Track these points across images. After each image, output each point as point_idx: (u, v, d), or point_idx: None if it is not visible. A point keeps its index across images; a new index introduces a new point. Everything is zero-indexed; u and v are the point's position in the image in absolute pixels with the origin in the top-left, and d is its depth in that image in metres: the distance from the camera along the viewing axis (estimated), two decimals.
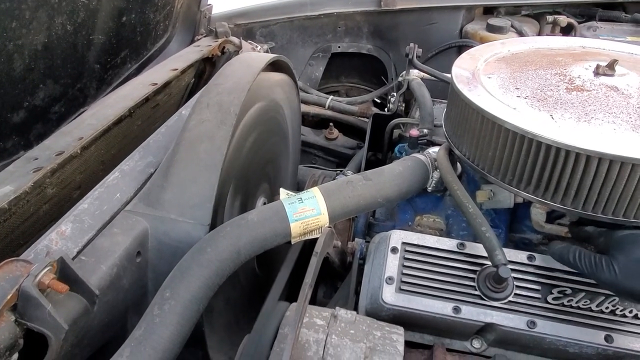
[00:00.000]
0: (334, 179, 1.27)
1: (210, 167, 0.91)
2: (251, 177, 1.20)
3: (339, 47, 1.93)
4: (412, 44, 1.40)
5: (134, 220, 0.87)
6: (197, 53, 1.38)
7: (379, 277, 0.85)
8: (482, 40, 1.70)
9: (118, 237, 0.83)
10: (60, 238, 0.78)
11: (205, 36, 1.59)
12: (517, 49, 1.14)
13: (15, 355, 0.64)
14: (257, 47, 1.63)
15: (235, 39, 1.57)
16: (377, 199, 0.93)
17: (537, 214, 0.93)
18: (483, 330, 0.83)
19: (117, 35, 1.39)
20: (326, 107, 1.78)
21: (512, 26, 1.67)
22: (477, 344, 0.87)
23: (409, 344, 0.85)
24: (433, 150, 1.07)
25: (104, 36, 1.34)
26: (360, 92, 2.10)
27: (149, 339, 0.71)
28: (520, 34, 1.65)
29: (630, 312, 0.80)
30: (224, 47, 1.57)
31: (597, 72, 0.94)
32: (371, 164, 1.49)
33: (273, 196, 1.32)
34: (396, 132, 1.44)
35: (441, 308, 0.81)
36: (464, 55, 1.10)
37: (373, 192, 0.93)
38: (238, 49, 1.54)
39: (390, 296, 0.83)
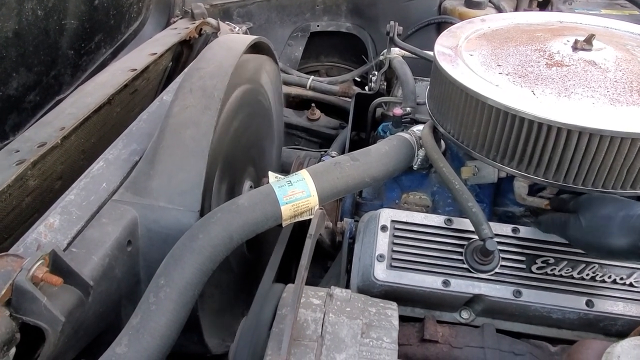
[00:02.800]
0: (319, 160, 1.28)
1: (197, 153, 0.90)
2: (237, 161, 1.19)
3: (318, 26, 1.91)
4: (392, 22, 1.40)
5: (122, 209, 0.86)
6: (174, 36, 1.35)
7: (370, 255, 0.87)
8: (461, 17, 1.71)
9: (107, 227, 0.82)
10: (49, 230, 0.77)
11: (181, 18, 1.55)
12: (498, 25, 1.15)
13: (13, 350, 0.64)
14: (235, 28, 1.60)
15: (212, 21, 1.54)
16: (365, 178, 0.95)
17: (520, 187, 0.96)
18: (471, 301, 0.87)
19: (90, 20, 1.34)
20: (307, 87, 1.77)
21: (490, 1, 1.69)
22: (465, 315, 0.90)
23: (400, 318, 0.88)
24: (417, 128, 1.08)
25: (77, 21, 1.30)
26: (340, 71, 2.09)
27: (146, 326, 0.71)
28: (498, 9, 1.66)
29: (609, 277, 0.84)
30: (201, 29, 1.54)
31: (575, 47, 0.96)
32: (355, 143, 1.49)
33: (259, 179, 1.32)
34: (379, 111, 1.44)
35: (431, 282, 0.84)
36: (446, 33, 1.11)
37: (361, 172, 0.94)
38: (216, 31, 1.51)
39: (381, 273, 0.85)
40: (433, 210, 1.06)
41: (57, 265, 0.67)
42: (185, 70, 1.18)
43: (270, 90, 1.39)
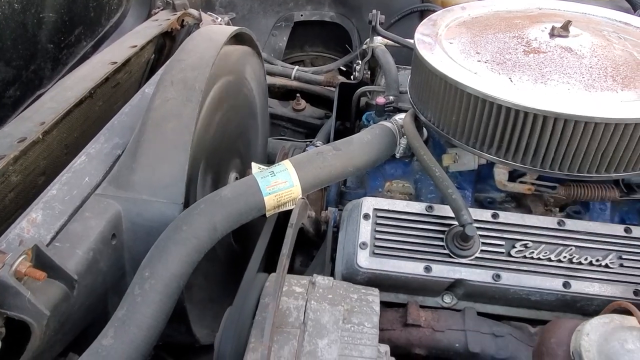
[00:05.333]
0: (304, 150, 1.29)
1: (179, 146, 0.91)
2: (222, 153, 1.19)
3: (302, 15, 1.90)
4: (374, 11, 1.40)
5: (105, 203, 0.87)
6: (155, 28, 1.34)
7: (353, 243, 0.88)
8: (443, 4, 1.71)
9: (91, 221, 0.83)
10: (32, 226, 0.77)
11: (162, 9, 1.53)
12: (477, 13, 1.16)
13: None
14: (217, 19, 1.59)
15: (194, 11, 1.52)
16: (348, 167, 0.96)
17: (500, 174, 0.97)
18: (453, 286, 0.88)
19: (69, 12, 1.33)
20: (292, 77, 1.77)
21: None
22: (448, 299, 0.92)
23: (384, 304, 0.89)
24: (399, 117, 1.09)
25: (55, 14, 1.28)
26: (325, 60, 2.09)
27: (132, 318, 0.72)
28: None
29: (586, 259, 0.86)
30: (183, 20, 1.53)
31: (552, 34, 0.97)
32: (340, 133, 1.50)
33: (245, 170, 1.32)
34: (363, 100, 1.45)
35: (413, 268, 0.86)
36: (426, 21, 1.11)
37: (344, 161, 0.95)
38: (198, 22, 1.50)
39: (364, 260, 0.86)
40: (416, 197, 1.07)
41: (40, 259, 0.68)
42: (167, 62, 1.17)
43: (254, 81, 1.39)
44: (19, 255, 0.65)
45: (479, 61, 0.94)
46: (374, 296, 0.71)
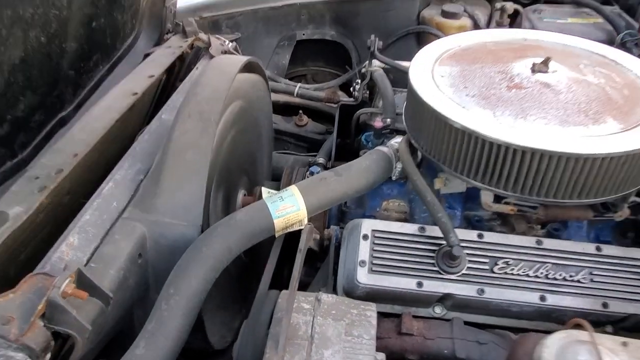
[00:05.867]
0: (306, 169, 1.39)
1: (197, 173, 1.01)
2: (231, 172, 1.30)
3: (304, 34, 2.00)
4: (373, 36, 1.50)
5: (132, 226, 0.97)
6: (170, 56, 1.44)
7: (353, 260, 0.99)
8: (438, 26, 1.81)
9: (120, 243, 0.93)
10: (70, 249, 0.88)
11: (174, 34, 1.63)
12: (467, 44, 1.26)
13: (49, 355, 0.75)
14: (225, 42, 1.68)
15: (204, 36, 1.62)
16: (348, 192, 1.06)
17: (486, 196, 1.07)
18: (442, 298, 0.99)
19: (88, 41, 1.43)
20: (295, 95, 1.87)
21: (465, 11, 1.79)
22: (438, 310, 1.03)
23: (381, 314, 1.00)
24: (396, 141, 1.20)
25: (76, 43, 1.38)
26: (326, 75, 2.19)
27: (160, 330, 0.83)
28: (472, 18, 1.77)
29: (560, 275, 0.97)
30: (192, 44, 1.63)
31: (533, 69, 1.07)
32: (341, 149, 1.60)
33: (252, 187, 1.43)
34: (363, 117, 1.55)
35: (406, 284, 0.96)
36: (421, 52, 1.21)
37: (344, 186, 1.06)
38: (207, 46, 1.60)
39: (363, 277, 0.97)
40: (410, 215, 1.17)
41: (82, 281, 0.78)
42: (184, 90, 1.27)
43: (261, 105, 1.49)
44: (65, 278, 0.75)
45: (467, 95, 1.04)
46: (371, 311, 0.81)
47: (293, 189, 1.01)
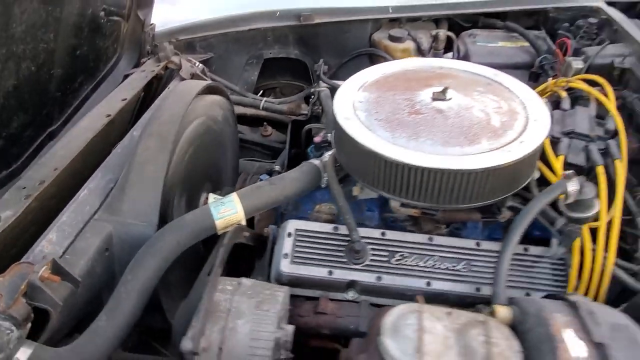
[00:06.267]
0: (264, 172, 1.63)
1: (155, 183, 1.25)
2: (194, 179, 1.53)
3: (270, 53, 2.24)
4: (321, 61, 1.73)
5: (101, 225, 1.21)
6: (142, 80, 1.67)
7: (280, 254, 1.22)
8: (385, 48, 2.04)
9: (90, 239, 1.17)
10: (49, 244, 1.11)
11: (148, 59, 1.87)
12: (391, 71, 1.49)
13: (29, 325, 0.98)
14: (195, 64, 1.92)
15: (176, 59, 1.86)
16: (279, 197, 1.30)
17: (394, 202, 1.31)
18: (351, 285, 1.22)
19: (73, 66, 1.66)
20: (260, 108, 2.10)
21: (409, 34, 2.01)
22: (351, 294, 1.25)
23: (305, 298, 1.24)
24: (328, 154, 1.43)
25: (62, 69, 1.62)
26: (293, 88, 2.42)
27: (118, 307, 1.06)
28: (415, 41, 1.99)
29: (444, 265, 1.20)
30: (166, 66, 1.86)
31: (433, 97, 1.30)
32: (297, 157, 1.84)
33: (215, 191, 1.66)
34: (314, 130, 1.79)
35: (319, 272, 1.20)
36: (350, 79, 1.44)
37: (277, 193, 1.29)
38: (178, 68, 1.84)
39: (285, 267, 1.20)
40: (337, 217, 1.40)
41: (56, 268, 1.02)
42: (152, 109, 1.51)
43: (223, 121, 1.72)
44: (42, 266, 0.99)
45: (375, 119, 1.27)
46: (281, 292, 1.04)
47: (233, 196, 1.25)
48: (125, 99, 1.53)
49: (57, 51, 1.56)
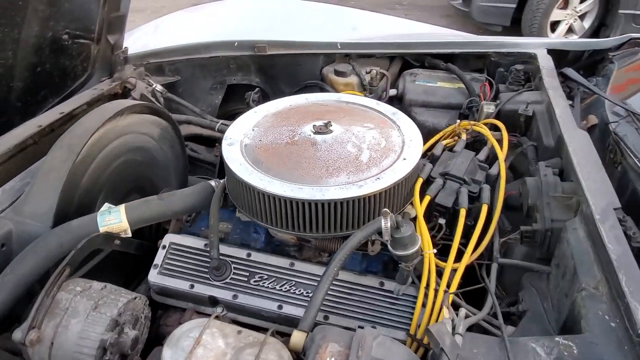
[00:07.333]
0: None
1: (54, 189, 1.39)
2: (119, 189, 1.67)
3: (234, 79, 2.38)
4: (251, 92, 1.86)
5: (2, 222, 1.36)
6: (87, 96, 1.86)
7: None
8: (330, 82, 2.13)
9: None
10: None
11: (108, 78, 2.06)
12: (296, 104, 1.58)
13: None
14: (153, 85, 2.10)
15: (132, 80, 2.04)
16: (167, 212, 1.40)
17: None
18: (212, 300, 1.30)
19: (34, 82, 1.87)
20: (216, 130, 2.24)
21: (353, 69, 2.10)
22: (219, 310, 1.33)
23: (178, 309, 1.33)
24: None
25: (22, 83, 1.82)
26: None
27: None
28: (359, 76, 2.07)
29: (299, 290, 1.25)
30: (125, 87, 2.05)
31: (314, 130, 1.37)
32: None
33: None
34: None
35: (182, 284, 1.28)
36: (258, 108, 1.55)
37: (164, 207, 1.40)
38: (132, 88, 2.02)
39: (153, 277, 1.30)
40: (227, 234, 1.48)
41: None
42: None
43: (160, 138, 1.86)
44: None
45: (256, 147, 1.36)
46: (125, 297, 1.14)
47: (121, 207, 1.37)
48: (63, 112, 1.71)
49: (16, 67, 1.77)
